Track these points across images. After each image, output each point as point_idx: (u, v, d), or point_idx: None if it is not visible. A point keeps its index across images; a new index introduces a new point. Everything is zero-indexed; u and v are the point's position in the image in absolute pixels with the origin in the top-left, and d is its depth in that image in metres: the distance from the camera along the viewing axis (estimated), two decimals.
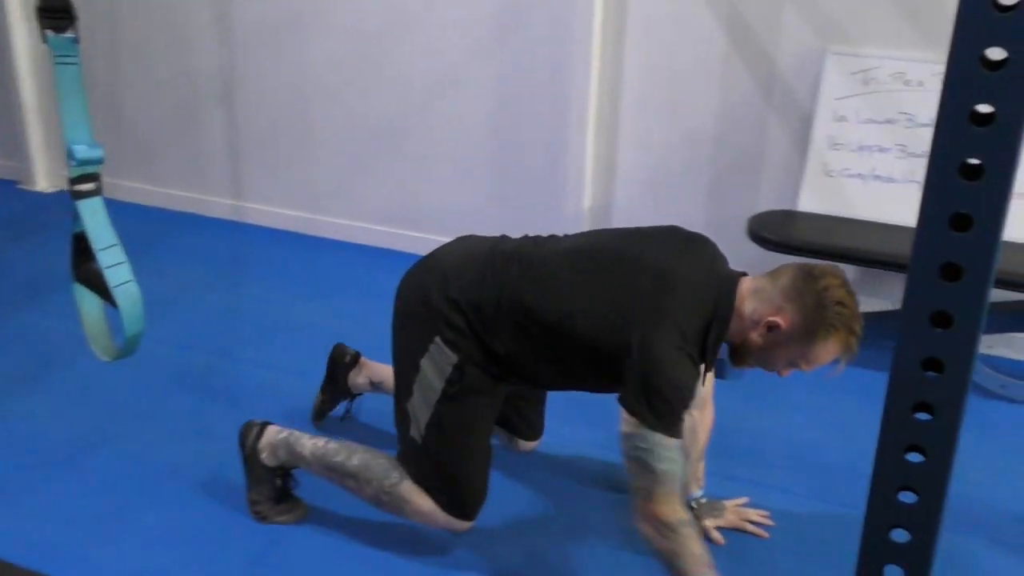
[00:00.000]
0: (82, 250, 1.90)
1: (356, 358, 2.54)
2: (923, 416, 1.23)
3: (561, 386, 2.14)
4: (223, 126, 4.18)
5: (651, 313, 1.82)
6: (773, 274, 1.90)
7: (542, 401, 2.45)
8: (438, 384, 2.00)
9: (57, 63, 1.78)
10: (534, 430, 2.46)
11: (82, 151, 1.82)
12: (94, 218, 1.85)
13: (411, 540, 2.17)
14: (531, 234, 2.15)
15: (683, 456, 1.86)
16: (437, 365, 2.00)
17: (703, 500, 2.29)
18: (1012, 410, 2.90)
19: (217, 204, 4.25)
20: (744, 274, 1.96)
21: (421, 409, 2.04)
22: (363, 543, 2.16)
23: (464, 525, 2.07)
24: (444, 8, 3.61)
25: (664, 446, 1.78)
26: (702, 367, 1.88)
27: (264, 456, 2.17)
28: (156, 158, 4.35)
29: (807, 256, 3.07)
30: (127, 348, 1.96)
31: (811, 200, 3.23)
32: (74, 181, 1.85)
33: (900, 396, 1.23)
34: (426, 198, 3.91)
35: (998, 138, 1.07)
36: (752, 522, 2.29)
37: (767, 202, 3.33)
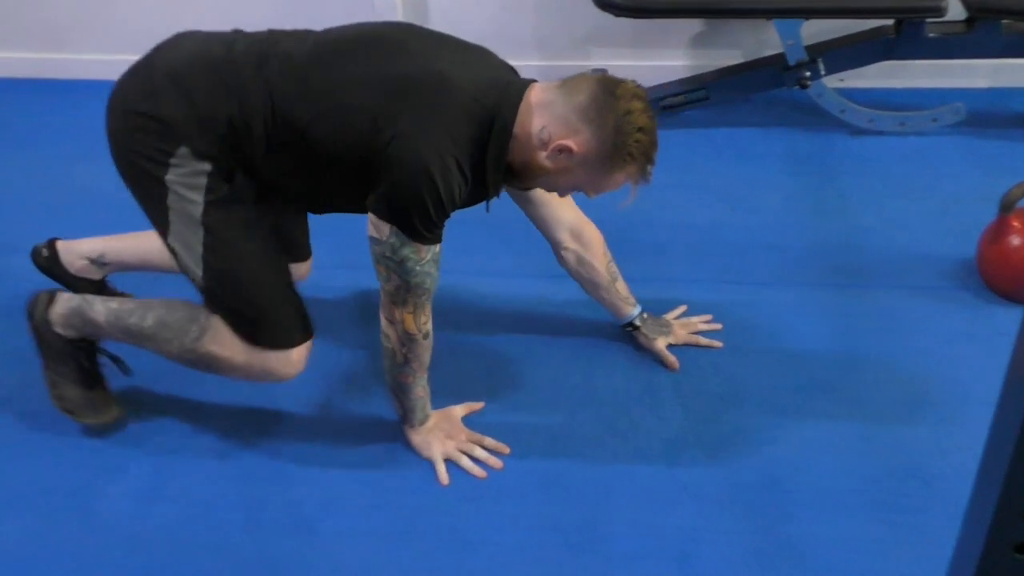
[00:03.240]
0: None
1: (52, 245, 2.15)
2: None
3: (329, 206, 1.87)
4: None
5: (416, 112, 1.60)
6: (567, 86, 1.66)
7: (304, 220, 2.12)
8: (196, 197, 1.69)
9: None
10: (302, 250, 2.13)
11: None
12: None
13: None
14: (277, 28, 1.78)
15: (435, 263, 1.68)
16: (187, 178, 1.68)
17: (645, 317, 2.10)
18: (885, 142, 2.84)
19: None
20: (533, 81, 1.72)
21: (187, 236, 1.72)
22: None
23: (285, 362, 1.78)
24: None
25: (416, 258, 1.63)
26: (484, 188, 1.69)
27: (58, 328, 1.86)
28: None
29: (661, 17, 2.81)
30: None
31: None
32: None
33: None
34: (193, 9, 3.20)
35: None
36: (703, 333, 2.15)
37: None
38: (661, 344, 2.08)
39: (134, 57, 1.79)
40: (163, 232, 1.75)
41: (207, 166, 1.68)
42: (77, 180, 2.76)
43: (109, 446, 1.91)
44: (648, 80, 3.05)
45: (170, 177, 1.68)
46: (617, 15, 2.73)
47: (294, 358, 1.79)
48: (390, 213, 1.61)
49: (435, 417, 1.91)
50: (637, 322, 2.08)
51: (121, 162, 1.74)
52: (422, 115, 1.60)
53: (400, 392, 1.83)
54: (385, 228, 1.62)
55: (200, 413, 1.98)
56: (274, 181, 1.75)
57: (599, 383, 2.02)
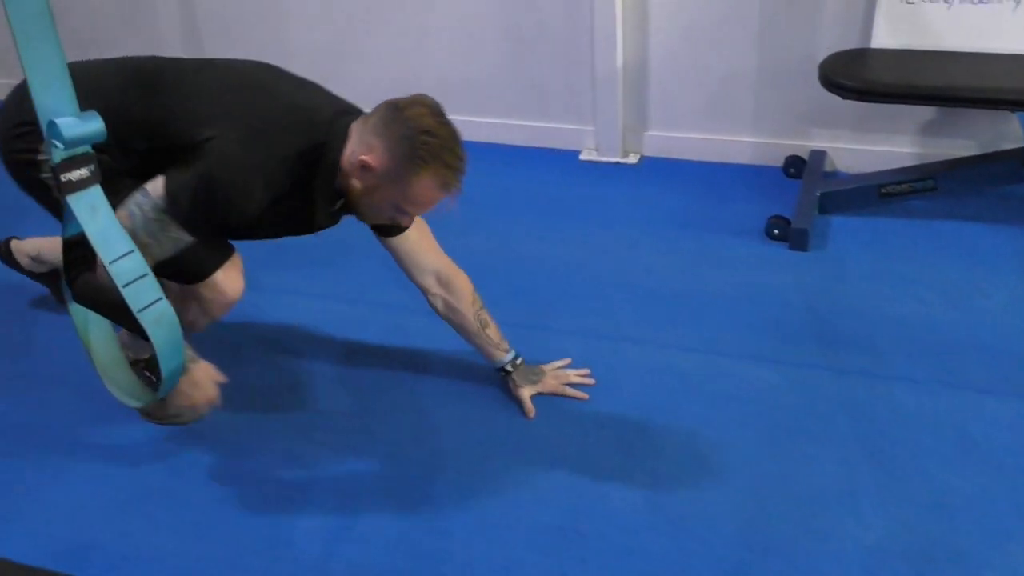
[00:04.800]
0: (79, 259, 1.39)
1: (7, 243, 2.46)
2: None
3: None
4: (179, 9, 3.58)
5: (245, 127, 1.69)
6: (368, 113, 1.78)
7: None
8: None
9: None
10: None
11: (71, 126, 1.28)
12: (95, 217, 1.33)
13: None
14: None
15: (168, 247, 1.69)
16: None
17: (519, 363, 2.13)
18: None
19: None
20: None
21: None
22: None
23: (213, 289, 1.82)
24: None
25: (171, 235, 1.67)
26: (309, 214, 1.78)
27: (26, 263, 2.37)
28: None
29: (894, 102, 2.68)
30: (165, 386, 1.48)
31: (887, 34, 2.78)
32: (59, 168, 1.32)
33: None
34: (427, 72, 3.37)
35: None
36: (573, 385, 2.15)
37: (830, 41, 2.87)
38: (526, 392, 2.11)
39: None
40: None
41: None
42: None
43: (295, 483, 1.98)
44: (871, 165, 2.97)
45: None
46: (844, 97, 2.64)
47: (230, 284, 1.84)
48: (183, 192, 1.65)
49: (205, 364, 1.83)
50: (509, 367, 2.11)
51: (9, 169, 1.84)
52: (249, 132, 1.69)
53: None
54: (166, 199, 1.66)
55: (370, 452, 2.03)
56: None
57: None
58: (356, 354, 2.32)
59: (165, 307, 1.38)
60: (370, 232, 1.97)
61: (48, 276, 2.45)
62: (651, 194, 3.03)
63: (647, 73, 3.13)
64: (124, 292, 1.36)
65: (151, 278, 1.39)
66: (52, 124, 1.29)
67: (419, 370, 2.24)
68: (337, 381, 2.23)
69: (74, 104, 1.31)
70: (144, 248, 1.59)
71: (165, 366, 1.47)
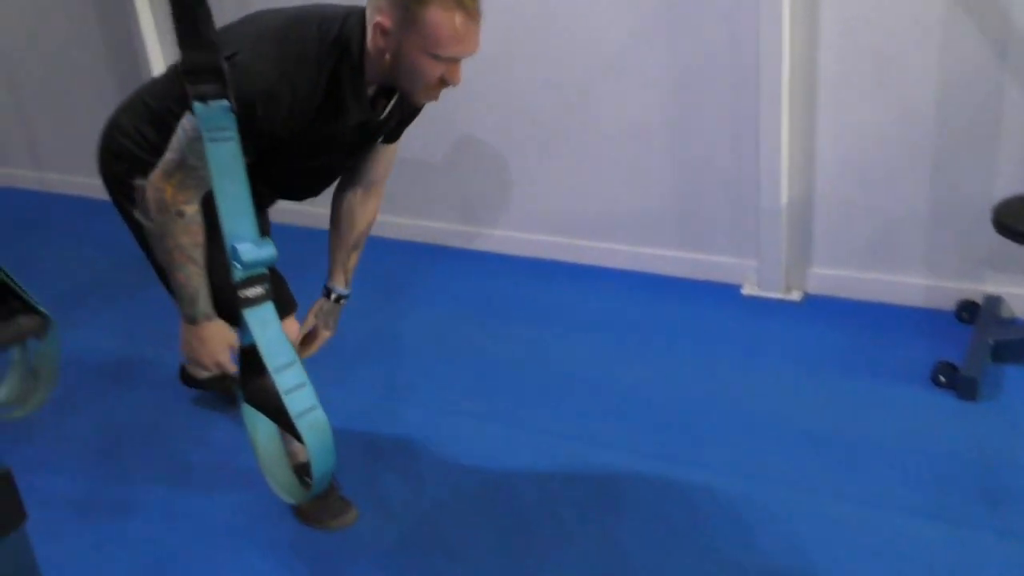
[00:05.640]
0: (251, 366, 1.55)
1: (182, 368, 2.70)
2: None
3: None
4: None
5: (259, 33, 1.78)
6: None
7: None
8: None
9: (209, 141, 1.40)
10: (288, 303, 2.16)
11: (248, 251, 1.45)
12: (265, 330, 1.49)
13: None
14: None
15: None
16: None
17: (343, 303, 2.24)
18: None
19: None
20: None
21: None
22: None
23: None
24: None
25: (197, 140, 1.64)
26: (342, 108, 1.83)
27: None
28: None
29: None
30: (316, 487, 1.59)
31: None
32: (239, 286, 1.48)
33: None
34: (593, 203, 3.50)
35: None
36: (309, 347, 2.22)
37: (1007, 184, 2.79)
38: (318, 331, 2.22)
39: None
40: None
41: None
42: (467, 340, 3.06)
43: None
44: None
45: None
46: (1019, 243, 2.55)
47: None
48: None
49: (219, 325, 1.88)
50: (336, 298, 2.23)
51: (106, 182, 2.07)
52: (262, 42, 1.76)
53: (168, 278, 1.86)
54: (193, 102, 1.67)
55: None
56: None
57: None
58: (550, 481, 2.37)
59: (320, 415, 1.49)
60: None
61: (219, 380, 2.68)
62: (813, 333, 2.98)
63: (813, 209, 3.12)
64: (285, 399, 1.48)
65: (309, 388, 1.51)
66: (234, 249, 1.46)
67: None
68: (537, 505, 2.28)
69: (255, 231, 1.48)
70: (193, 171, 1.70)
71: (317, 468, 1.57)
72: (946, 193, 2.91)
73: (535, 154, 3.55)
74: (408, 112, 2.08)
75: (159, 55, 4.17)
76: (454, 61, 1.79)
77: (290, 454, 2.00)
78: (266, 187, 2.00)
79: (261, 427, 1.78)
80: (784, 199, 3.08)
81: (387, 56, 1.79)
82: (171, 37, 1.80)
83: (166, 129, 1.80)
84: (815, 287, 3.22)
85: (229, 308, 1.82)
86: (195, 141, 1.66)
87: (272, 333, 1.50)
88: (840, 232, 3.12)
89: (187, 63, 1.40)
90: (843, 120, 2.96)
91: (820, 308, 3.13)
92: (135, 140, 1.97)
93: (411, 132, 3.60)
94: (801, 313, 3.13)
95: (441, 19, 1.71)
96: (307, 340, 2.23)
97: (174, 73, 1.94)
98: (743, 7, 2.94)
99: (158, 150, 1.79)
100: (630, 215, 3.43)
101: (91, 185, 4.71)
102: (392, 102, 1.97)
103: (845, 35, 2.86)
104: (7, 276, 1.62)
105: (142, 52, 4.16)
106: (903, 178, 2.95)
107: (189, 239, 1.78)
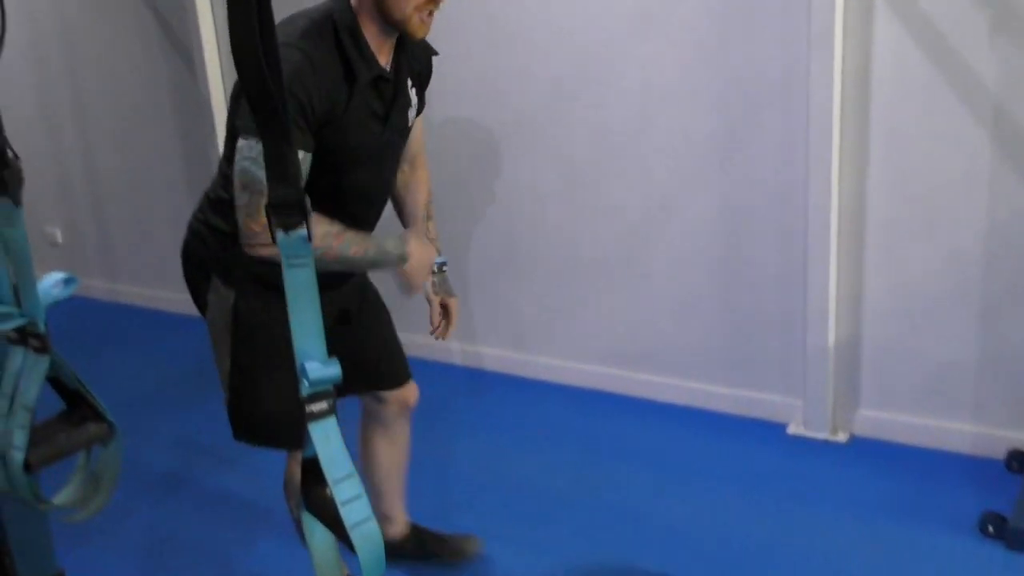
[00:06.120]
0: (313, 476, 1.63)
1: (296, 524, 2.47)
2: None
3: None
4: None
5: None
6: None
7: (390, 336, 2.41)
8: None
9: (288, 267, 1.52)
10: (406, 370, 2.36)
11: (316, 369, 1.55)
12: (327, 444, 1.57)
13: None
14: None
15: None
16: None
17: (445, 270, 2.33)
18: None
19: (410, 341, 3.57)
20: None
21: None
22: None
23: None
24: (656, 133, 3.32)
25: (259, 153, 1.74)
26: (353, 70, 1.91)
27: None
28: None
29: None
30: None
31: None
32: (306, 401, 1.59)
33: None
34: (644, 336, 3.58)
35: None
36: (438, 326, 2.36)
37: None
38: (436, 299, 2.33)
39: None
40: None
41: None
42: (515, 471, 3.10)
43: None
44: None
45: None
46: None
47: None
48: (240, 114, 1.81)
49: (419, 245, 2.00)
50: (434, 268, 2.26)
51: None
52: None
53: (349, 263, 1.93)
54: (240, 135, 1.81)
55: None
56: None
57: None
58: None
59: (373, 526, 1.55)
60: None
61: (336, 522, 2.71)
62: (858, 476, 2.97)
63: (860, 351, 3.16)
64: (341, 509, 1.55)
65: (364, 500, 1.57)
66: (304, 367, 1.56)
67: None
68: None
69: (323, 351, 1.57)
70: (261, 185, 1.75)
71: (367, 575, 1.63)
72: (995, 341, 2.94)
73: (586, 285, 3.65)
74: (416, 70, 2.15)
75: None
76: None
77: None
78: (350, 206, 2.07)
79: (318, 534, 1.84)
80: (831, 339, 3.13)
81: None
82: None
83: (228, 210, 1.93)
84: (862, 429, 3.23)
85: (294, 426, 1.93)
86: (258, 159, 1.77)
87: (334, 447, 1.57)
88: (888, 375, 3.15)
89: (273, 197, 1.54)
90: (891, 263, 3.04)
91: (866, 451, 3.13)
92: (206, 234, 2.09)
93: (465, 261, 3.74)
94: (847, 455, 3.13)
95: None
96: (445, 314, 2.38)
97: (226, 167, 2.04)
98: (794, 153, 3.07)
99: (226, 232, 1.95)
100: (678, 350, 3.50)
101: (161, 298, 4.94)
102: (392, 56, 2.04)
103: (894, 184, 2.96)
104: (80, 384, 1.74)
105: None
106: (951, 324, 2.99)
107: (321, 229, 1.88)
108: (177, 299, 4.55)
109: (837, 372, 3.20)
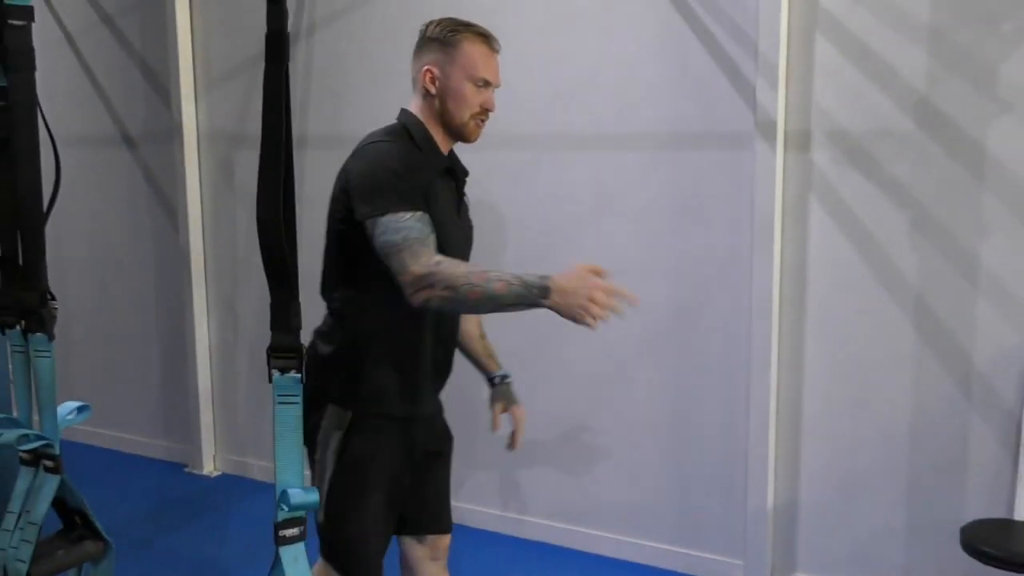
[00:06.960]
0: None
1: None
2: None
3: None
4: None
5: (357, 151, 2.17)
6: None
7: (444, 480, 2.44)
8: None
9: (279, 403, 1.72)
10: (448, 521, 2.41)
11: (297, 496, 1.72)
12: (295, 566, 1.73)
13: None
14: None
15: (422, 221, 2.01)
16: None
17: (508, 381, 2.51)
18: None
19: None
20: None
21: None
22: None
23: None
24: None
25: (395, 220, 1.99)
26: (432, 155, 2.18)
27: None
28: None
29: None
30: None
31: None
32: (279, 526, 1.74)
33: None
34: (594, 494, 3.74)
35: None
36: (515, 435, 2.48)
37: (976, 508, 3.03)
38: (498, 406, 2.49)
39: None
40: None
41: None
42: None
43: None
44: None
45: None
46: (985, 563, 2.72)
47: None
48: (363, 202, 2.04)
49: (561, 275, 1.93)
50: (496, 380, 2.50)
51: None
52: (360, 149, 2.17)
53: (496, 301, 1.93)
54: (368, 219, 2.02)
55: None
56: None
57: None
58: None
59: None
60: None
61: None
62: None
63: (797, 515, 3.34)
64: None
65: None
66: (284, 493, 1.73)
67: None
68: None
69: (301, 482, 1.75)
70: (415, 242, 1.97)
71: None
72: (921, 511, 3.14)
73: (542, 445, 3.81)
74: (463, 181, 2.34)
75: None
76: (487, 85, 2.20)
77: None
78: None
79: None
80: (770, 503, 3.32)
81: (436, 98, 2.19)
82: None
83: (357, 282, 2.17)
84: None
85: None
86: (403, 219, 1.99)
87: (300, 568, 1.73)
88: (824, 538, 3.32)
89: (275, 343, 1.75)
90: (827, 434, 3.27)
91: None
92: (314, 366, 2.13)
93: None
94: None
95: (475, 49, 2.18)
96: (514, 425, 2.50)
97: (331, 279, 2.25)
98: (738, 328, 3.35)
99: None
100: (626, 507, 3.65)
101: (125, 440, 4.96)
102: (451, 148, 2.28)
103: (829, 363, 3.25)
104: (85, 505, 1.89)
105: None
106: (882, 492, 3.20)
107: (464, 267, 1.99)
108: (138, 441, 4.70)
109: (776, 535, 3.37)
